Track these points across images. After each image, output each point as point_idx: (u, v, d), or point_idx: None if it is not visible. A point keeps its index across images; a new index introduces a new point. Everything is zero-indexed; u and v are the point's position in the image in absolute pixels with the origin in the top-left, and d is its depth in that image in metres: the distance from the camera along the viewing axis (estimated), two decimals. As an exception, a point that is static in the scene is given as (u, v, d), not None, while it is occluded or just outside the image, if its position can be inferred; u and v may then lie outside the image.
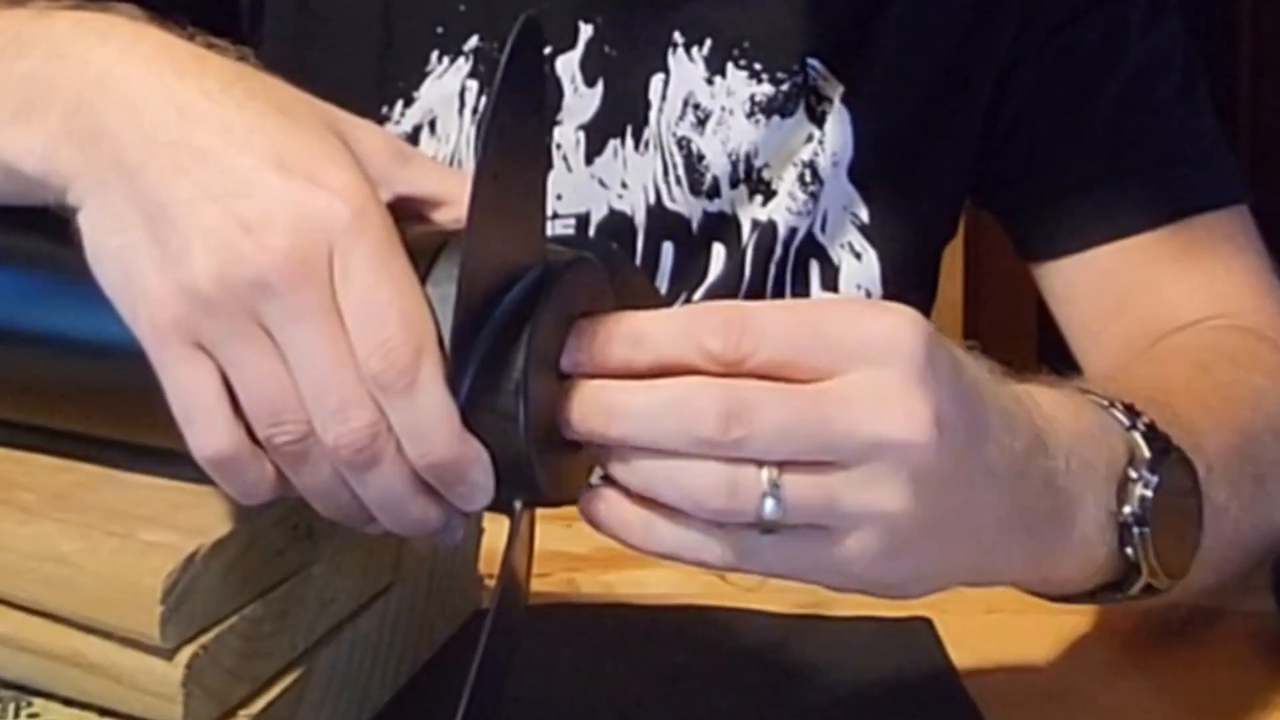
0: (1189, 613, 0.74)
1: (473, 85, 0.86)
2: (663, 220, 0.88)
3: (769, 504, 0.49)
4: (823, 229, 0.90)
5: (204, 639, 0.52)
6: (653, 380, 0.50)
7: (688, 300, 0.88)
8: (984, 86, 0.91)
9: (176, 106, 0.52)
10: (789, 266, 0.90)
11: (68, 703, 0.54)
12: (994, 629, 0.73)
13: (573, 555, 0.78)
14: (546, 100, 0.52)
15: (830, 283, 0.90)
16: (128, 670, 0.52)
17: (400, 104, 0.87)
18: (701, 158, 0.87)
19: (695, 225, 0.88)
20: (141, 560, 0.52)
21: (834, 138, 0.89)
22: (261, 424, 0.50)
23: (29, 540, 0.54)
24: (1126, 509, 0.59)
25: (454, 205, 0.56)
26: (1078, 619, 0.74)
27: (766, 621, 0.71)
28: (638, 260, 0.87)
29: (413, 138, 0.86)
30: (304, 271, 0.49)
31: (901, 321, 0.51)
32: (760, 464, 0.49)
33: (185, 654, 0.52)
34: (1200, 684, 0.68)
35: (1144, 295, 0.87)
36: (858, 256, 0.90)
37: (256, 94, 0.52)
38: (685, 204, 0.88)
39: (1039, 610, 0.75)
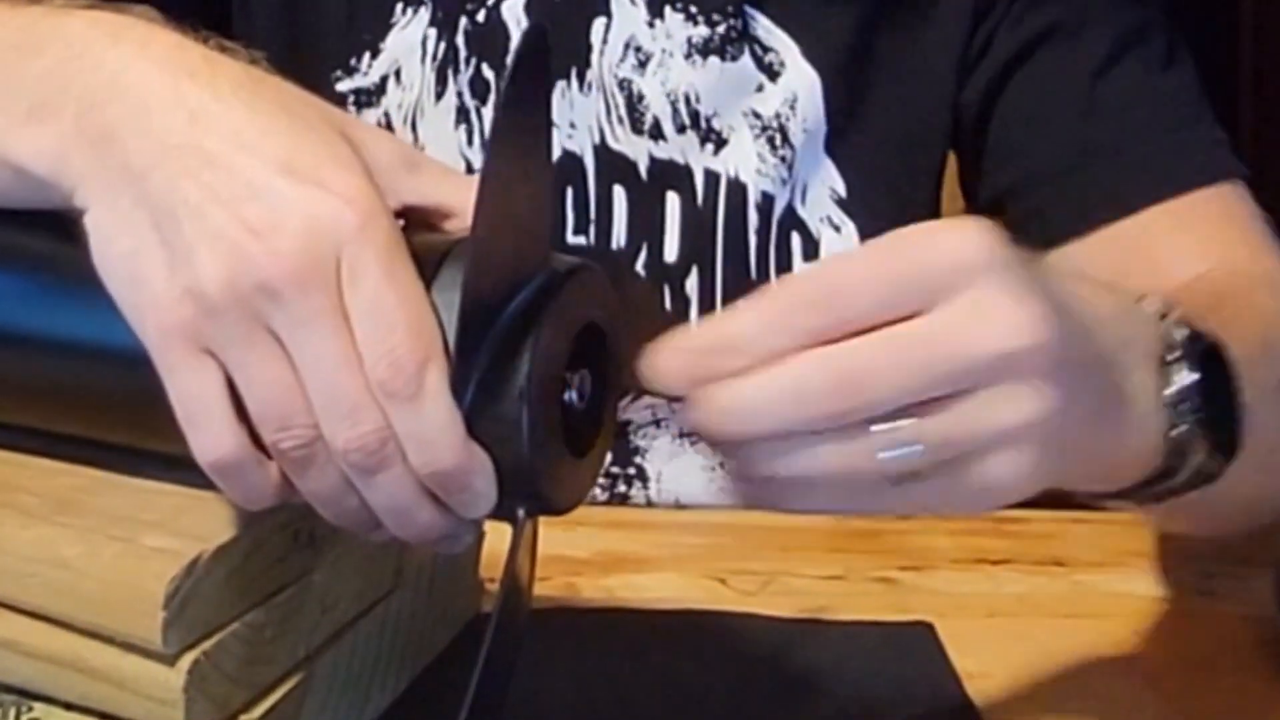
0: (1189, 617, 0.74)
1: (432, 33, 0.88)
2: (609, 162, 0.88)
3: (902, 453, 0.50)
4: (803, 201, 0.90)
5: (206, 645, 0.52)
6: (759, 373, 0.50)
7: (650, 257, 0.89)
8: (949, 70, 0.92)
9: (187, 109, 0.51)
10: (771, 239, 0.90)
11: (68, 707, 0.54)
12: (995, 633, 0.73)
13: (573, 559, 0.78)
14: (551, 108, 0.51)
15: (811, 255, 0.90)
16: (129, 675, 0.52)
17: (368, 55, 0.88)
18: (641, 98, 0.88)
19: (643, 169, 0.89)
20: (144, 565, 0.52)
21: (805, 105, 0.89)
22: (268, 429, 0.50)
23: (31, 544, 0.54)
24: (1173, 389, 0.58)
25: (461, 215, 0.55)
26: (1079, 623, 0.75)
27: (768, 626, 0.71)
28: (591, 207, 0.88)
29: (380, 88, 0.88)
30: (312, 276, 0.49)
31: (974, 237, 0.50)
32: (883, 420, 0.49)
33: (187, 660, 0.52)
34: (1202, 687, 0.68)
35: (1142, 267, 0.86)
36: (836, 229, 0.91)
37: (268, 98, 0.52)
38: (629, 144, 0.88)
39: (1040, 614, 0.76)
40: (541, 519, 0.55)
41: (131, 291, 0.51)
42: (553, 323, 0.50)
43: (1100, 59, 0.90)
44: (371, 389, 0.49)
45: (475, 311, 0.49)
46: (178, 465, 0.53)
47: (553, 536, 0.78)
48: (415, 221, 0.54)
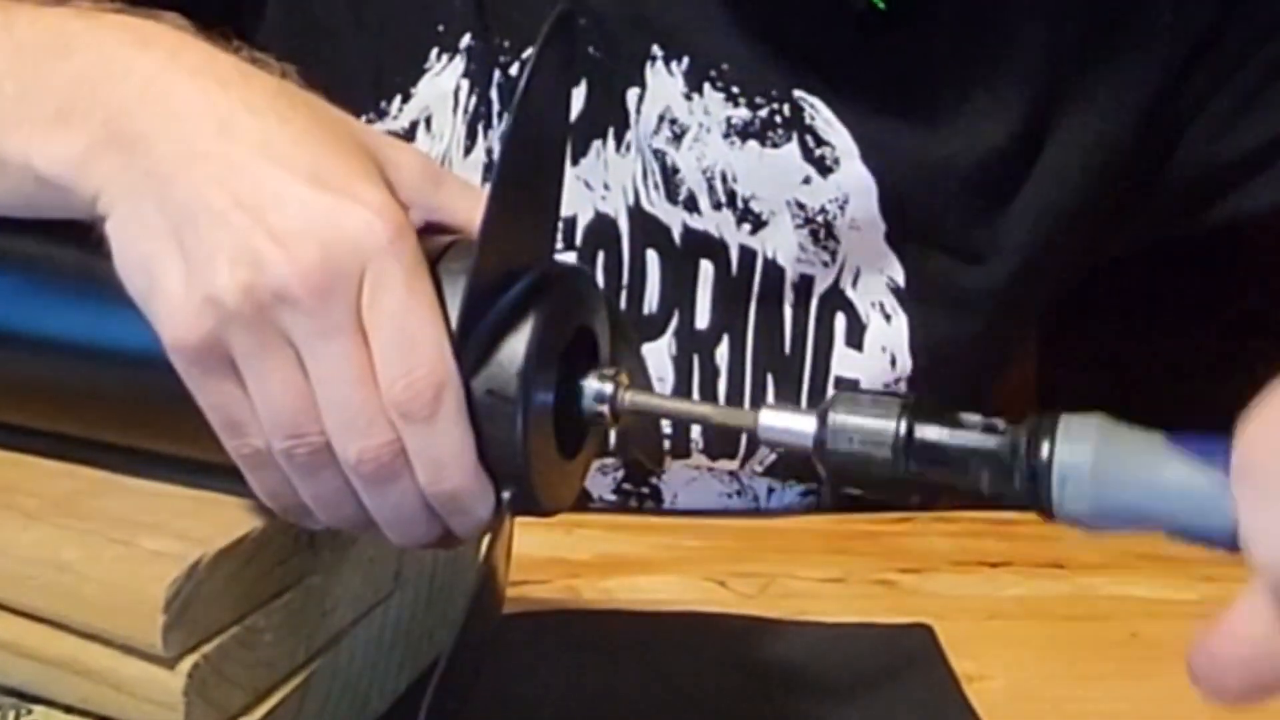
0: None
1: (465, 84, 0.85)
2: (643, 226, 0.86)
3: None
4: (854, 285, 0.86)
5: (205, 648, 0.52)
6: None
7: (681, 323, 0.86)
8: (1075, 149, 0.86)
9: (218, 118, 0.51)
10: (810, 315, 0.87)
11: (68, 710, 0.54)
12: (995, 636, 0.73)
13: (573, 561, 0.78)
14: (571, 94, 0.51)
15: (855, 339, 0.87)
16: (128, 678, 0.52)
17: (398, 99, 0.86)
18: (676, 170, 0.85)
19: (677, 236, 0.86)
20: (144, 568, 0.52)
21: (857, 207, 0.85)
22: (279, 437, 0.50)
23: (31, 546, 0.54)
24: None
25: (474, 230, 0.55)
26: (1079, 625, 0.75)
27: (766, 628, 0.71)
28: (625, 272, 0.86)
29: (409, 134, 0.86)
30: (332, 287, 0.48)
31: None
32: None
33: (187, 663, 0.52)
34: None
35: None
36: (887, 318, 0.87)
37: (299, 110, 0.52)
38: (663, 210, 0.85)
39: (1039, 617, 0.76)
40: (539, 521, 0.55)
41: (151, 298, 0.50)
42: (552, 309, 0.50)
43: None
44: (385, 406, 0.49)
45: (480, 288, 0.49)
46: (178, 467, 0.53)
47: (553, 539, 0.78)
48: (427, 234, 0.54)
